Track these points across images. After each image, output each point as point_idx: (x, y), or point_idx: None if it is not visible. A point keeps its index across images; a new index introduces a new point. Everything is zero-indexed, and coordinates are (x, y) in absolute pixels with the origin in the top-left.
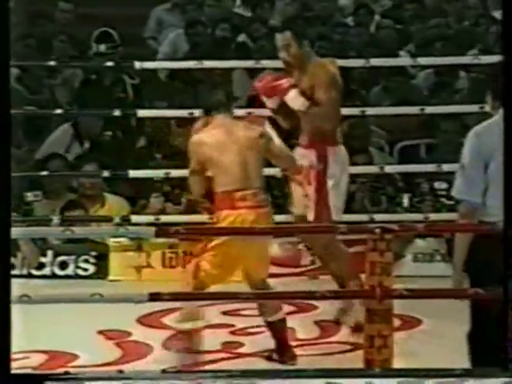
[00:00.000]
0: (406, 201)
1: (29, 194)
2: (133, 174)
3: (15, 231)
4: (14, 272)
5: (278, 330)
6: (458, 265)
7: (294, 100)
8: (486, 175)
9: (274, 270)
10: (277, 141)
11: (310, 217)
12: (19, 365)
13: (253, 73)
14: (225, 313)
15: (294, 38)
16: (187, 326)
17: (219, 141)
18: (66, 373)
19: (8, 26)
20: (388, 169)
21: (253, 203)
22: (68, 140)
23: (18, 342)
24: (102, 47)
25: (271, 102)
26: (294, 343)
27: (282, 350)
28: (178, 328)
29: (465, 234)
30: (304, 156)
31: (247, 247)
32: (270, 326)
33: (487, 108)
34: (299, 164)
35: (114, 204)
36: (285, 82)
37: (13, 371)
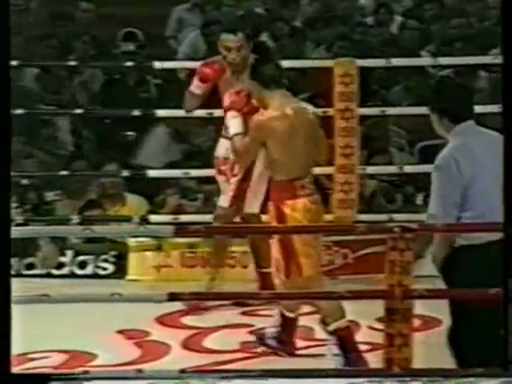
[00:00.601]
0: (420, 200)
1: (49, 193)
2: (152, 173)
3: (35, 230)
4: (33, 271)
5: (291, 326)
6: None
7: (234, 125)
8: (464, 198)
9: None
10: None
11: (224, 203)
12: (39, 364)
13: None
14: (244, 313)
15: (245, 40)
16: (341, 324)
17: (288, 125)
18: (66, 373)
19: (8, 26)
20: (407, 169)
21: (310, 190)
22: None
23: (37, 342)
24: (131, 46)
25: (197, 87)
26: (312, 343)
27: (286, 341)
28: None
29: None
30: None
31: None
32: (287, 321)
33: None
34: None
35: (134, 203)
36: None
37: (13, 371)
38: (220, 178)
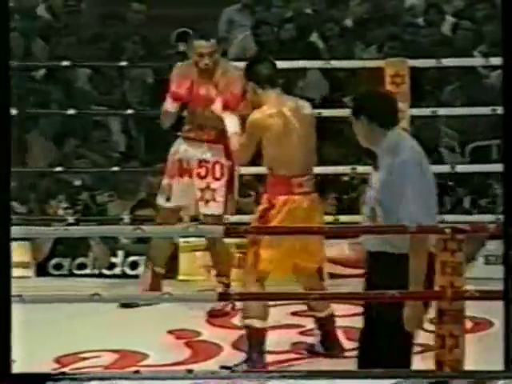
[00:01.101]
0: (467, 202)
1: (101, 195)
2: None
3: (85, 230)
4: (85, 271)
5: (327, 325)
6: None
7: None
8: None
9: (344, 270)
10: None
11: (217, 210)
12: (90, 364)
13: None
14: (294, 313)
15: (217, 45)
16: (257, 324)
17: (282, 123)
18: (66, 373)
19: (8, 26)
20: (459, 169)
21: (307, 189)
22: None
23: (89, 342)
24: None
25: (172, 106)
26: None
27: (331, 343)
28: (248, 325)
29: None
30: (211, 150)
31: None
32: (320, 321)
33: None
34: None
35: None
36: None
37: (14, 371)
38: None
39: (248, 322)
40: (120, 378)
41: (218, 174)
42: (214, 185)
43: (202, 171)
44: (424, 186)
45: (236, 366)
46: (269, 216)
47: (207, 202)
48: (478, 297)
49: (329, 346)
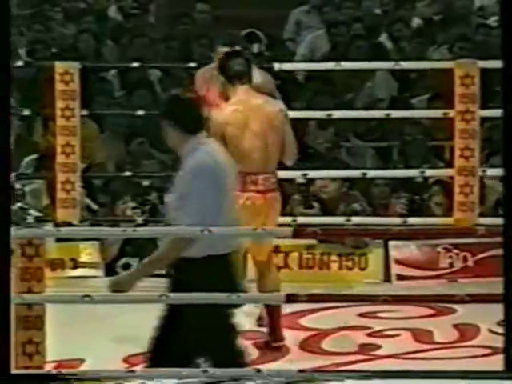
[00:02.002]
0: None
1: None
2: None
3: (154, 231)
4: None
5: (274, 311)
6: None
7: None
8: None
9: (412, 272)
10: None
11: None
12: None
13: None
14: (362, 315)
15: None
16: None
17: (241, 119)
18: (66, 373)
19: (9, 27)
20: None
21: (263, 187)
22: None
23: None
24: (255, 47)
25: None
26: (431, 346)
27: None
28: None
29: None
30: None
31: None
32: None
33: None
34: None
35: None
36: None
37: (13, 371)
38: None
39: None
40: (119, 378)
41: None
42: None
43: None
44: (212, 191)
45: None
46: None
47: None
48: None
49: (273, 333)
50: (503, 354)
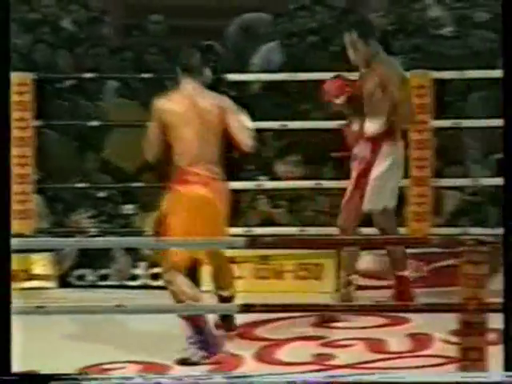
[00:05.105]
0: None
1: (124, 206)
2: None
3: (109, 242)
4: (107, 283)
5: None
6: None
7: (373, 128)
8: None
9: (366, 282)
10: (240, 116)
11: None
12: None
13: None
14: (316, 324)
15: (360, 37)
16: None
17: (182, 112)
18: (66, 374)
19: (8, 32)
20: (484, 181)
21: (205, 178)
22: None
23: (113, 353)
24: (212, 58)
25: (340, 100)
26: (385, 356)
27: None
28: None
29: None
30: (362, 148)
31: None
32: (225, 301)
33: None
34: None
35: None
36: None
37: (13, 371)
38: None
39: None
40: (119, 379)
41: None
42: None
43: None
44: None
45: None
46: (169, 207)
47: None
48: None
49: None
50: (503, 354)
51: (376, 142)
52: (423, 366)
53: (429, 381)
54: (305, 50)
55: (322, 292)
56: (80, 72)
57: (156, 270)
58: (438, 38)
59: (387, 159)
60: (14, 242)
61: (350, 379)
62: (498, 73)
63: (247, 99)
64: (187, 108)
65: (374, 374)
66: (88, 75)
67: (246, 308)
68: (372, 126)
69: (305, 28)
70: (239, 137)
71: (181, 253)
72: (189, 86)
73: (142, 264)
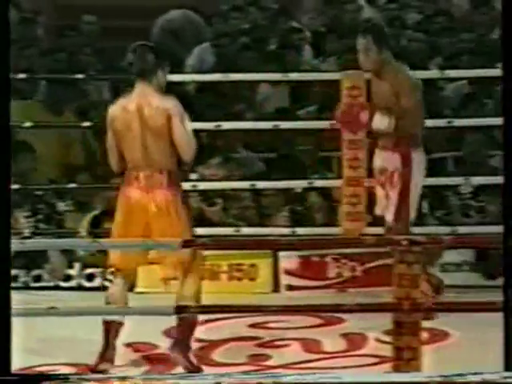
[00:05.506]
0: (425, 210)
1: (60, 203)
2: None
3: (43, 243)
4: (41, 284)
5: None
6: None
7: (380, 123)
8: None
9: (301, 282)
10: (184, 123)
11: (389, 218)
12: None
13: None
14: (251, 325)
15: (374, 43)
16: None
17: (127, 117)
18: (66, 373)
19: (9, 34)
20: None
21: (146, 185)
22: None
23: (38, 355)
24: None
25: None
26: (320, 355)
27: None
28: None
29: None
30: (388, 159)
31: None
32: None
33: None
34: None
35: None
36: (362, 116)
37: (13, 371)
38: (378, 190)
39: None
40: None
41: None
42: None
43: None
44: None
45: None
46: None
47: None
48: (436, 308)
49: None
50: (503, 354)
51: (404, 151)
52: (357, 366)
53: (366, 381)
54: (237, 50)
55: (257, 293)
56: (12, 73)
57: (90, 271)
58: None
59: (420, 166)
60: None
61: (288, 379)
62: (428, 73)
63: (182, 100)
64: (132, 113)
65: (314, 374)
66: (20, 76)
67: (181, 309)
68: (380, 123)
69: (237, 29)
70: (179, 146)
71: (121, 255)
72: (138, 90)
73: (76, 265)
